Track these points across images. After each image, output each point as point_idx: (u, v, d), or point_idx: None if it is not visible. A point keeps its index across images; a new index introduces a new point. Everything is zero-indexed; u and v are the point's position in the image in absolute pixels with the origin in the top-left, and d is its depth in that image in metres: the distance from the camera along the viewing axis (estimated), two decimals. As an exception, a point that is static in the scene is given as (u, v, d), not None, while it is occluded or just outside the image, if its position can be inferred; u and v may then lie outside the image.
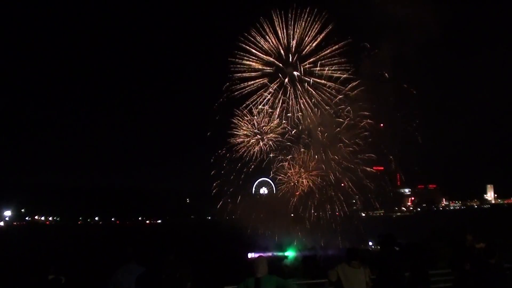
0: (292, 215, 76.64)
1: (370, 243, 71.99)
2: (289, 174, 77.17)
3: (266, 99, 77.09)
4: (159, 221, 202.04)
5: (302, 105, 76.35)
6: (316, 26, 77.10)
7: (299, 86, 77.02)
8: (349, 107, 73.33)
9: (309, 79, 76.66)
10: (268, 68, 78.00)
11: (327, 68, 76.09)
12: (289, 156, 77.25)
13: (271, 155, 77.66)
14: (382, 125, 74.19)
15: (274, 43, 78.62)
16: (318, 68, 76.39)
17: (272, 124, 76.47)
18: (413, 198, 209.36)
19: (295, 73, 76.06)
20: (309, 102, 76.23)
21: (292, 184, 77.50)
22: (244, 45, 78.59)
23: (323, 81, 75.75)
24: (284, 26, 79.19)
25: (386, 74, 73.00)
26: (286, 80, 76.42)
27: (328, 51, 76.99)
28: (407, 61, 71.96)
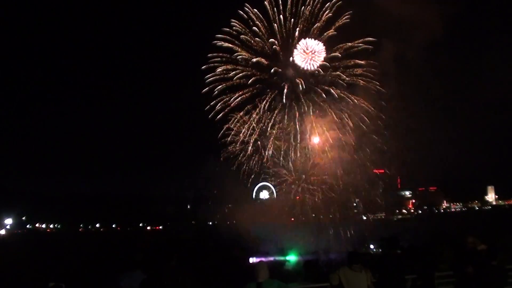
0: (293, 219, 76.45)
1: (372, 246, 71.82)
2: (290, 180, 76.92)
3: (262, 109, 74.11)
4: (160, 227, 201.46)
5: (304, 112, 73.69)
6: (324, 15, 71.82)
7: (302, 98, 73.29)
8: (350, 110, 72.11)
9: (316, 88, 72.69)
10: (260, 73, 73.18)
11: (338, 72, 72.06)
12: (290, 162, 76.56)
13: (269, 163, 76.76)
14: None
15: (266, 39, 73.01)
16: (327, 73, 72.27)
17: (271, 131, 75.02)
18: (413, 201, 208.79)
19: (297, 80, 72.11)
20: (315, 110, 73.62)
21: (293, 192, 77.22)
22: (225, 44, 72.98)
23: (334, 91, 71.60)
24: (280, 16, 72.76)
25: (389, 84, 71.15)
26: (286, 88, 72.42)
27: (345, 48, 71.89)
28: (410, 62, 71.12)
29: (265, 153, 74.19)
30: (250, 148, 74.02)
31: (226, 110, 71.74)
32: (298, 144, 74.36)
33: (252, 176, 75.62)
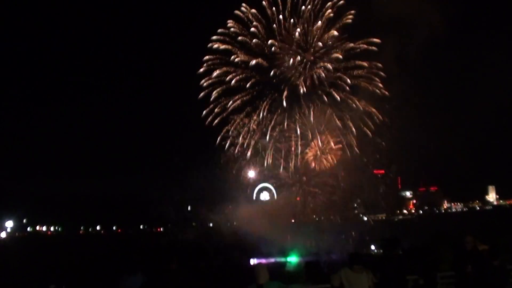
0: (293, 220, 76.48)
1: (373, 247, 71.81)
2: (291, 182, 76.87)
3: (262, 111, 73.39)
4: (161, 229, 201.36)
5: (305, 115, 73.14)
6: (325, 15, 70.86)
7: (302, 100, 72.57)
8: (351, 111, 71.79)
9: (317, 90, 71.97)
10: (259, 75, 72.22)
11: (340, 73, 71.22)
12: (291, 163, 76.36)
13: (269, 165, 76.53)
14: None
15: (265, 40, 72.04)
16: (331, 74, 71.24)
17: (272, 133, 74.74)
18: (414, 201, 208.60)
19: (298, 82, 71.49)
20: (316, 113, 73.07)
21: (294, 193, 77.13)
22: (221, 45, 71.68)
23: (335, 93, 70.85)
24: (280, 16, 71.70)
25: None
26: (286, 91, 71.76)
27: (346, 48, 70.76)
28: (411, 62, 70.82)
29: (265, 156, 74.01)
30: (250, 150, 73.68)
31: (224, 115, 71.39)
32: (299, 146, 74.18)
33: (252, 177, 75.60)
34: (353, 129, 70.70)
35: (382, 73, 68.70)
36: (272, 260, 64.36)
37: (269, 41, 70.17)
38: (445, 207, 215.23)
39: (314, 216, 76.34)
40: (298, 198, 76.11)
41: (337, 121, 70.69)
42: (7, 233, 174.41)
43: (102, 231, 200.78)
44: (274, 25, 70.25)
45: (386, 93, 68.59)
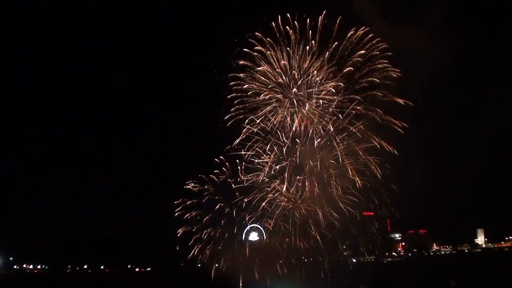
0: (281, 261, 76.31)
1: (362, 290, 71.67)
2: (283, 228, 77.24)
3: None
4: (148, 269, 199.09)
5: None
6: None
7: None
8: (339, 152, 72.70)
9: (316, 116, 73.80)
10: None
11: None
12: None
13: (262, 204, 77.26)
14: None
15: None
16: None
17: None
18: (403, 243, 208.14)
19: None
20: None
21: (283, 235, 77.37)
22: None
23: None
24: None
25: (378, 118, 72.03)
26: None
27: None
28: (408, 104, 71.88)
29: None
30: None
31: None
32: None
33: (244, 218, 76.35)
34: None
35: (376, 125, 70.31)
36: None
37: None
38: (434, 249, 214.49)
39: (303, 257, 76.25)
40: (287, 240, 76.18)
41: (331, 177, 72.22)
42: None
43: (89, 270, 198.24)
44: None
45: (377, 141, 69.98)
